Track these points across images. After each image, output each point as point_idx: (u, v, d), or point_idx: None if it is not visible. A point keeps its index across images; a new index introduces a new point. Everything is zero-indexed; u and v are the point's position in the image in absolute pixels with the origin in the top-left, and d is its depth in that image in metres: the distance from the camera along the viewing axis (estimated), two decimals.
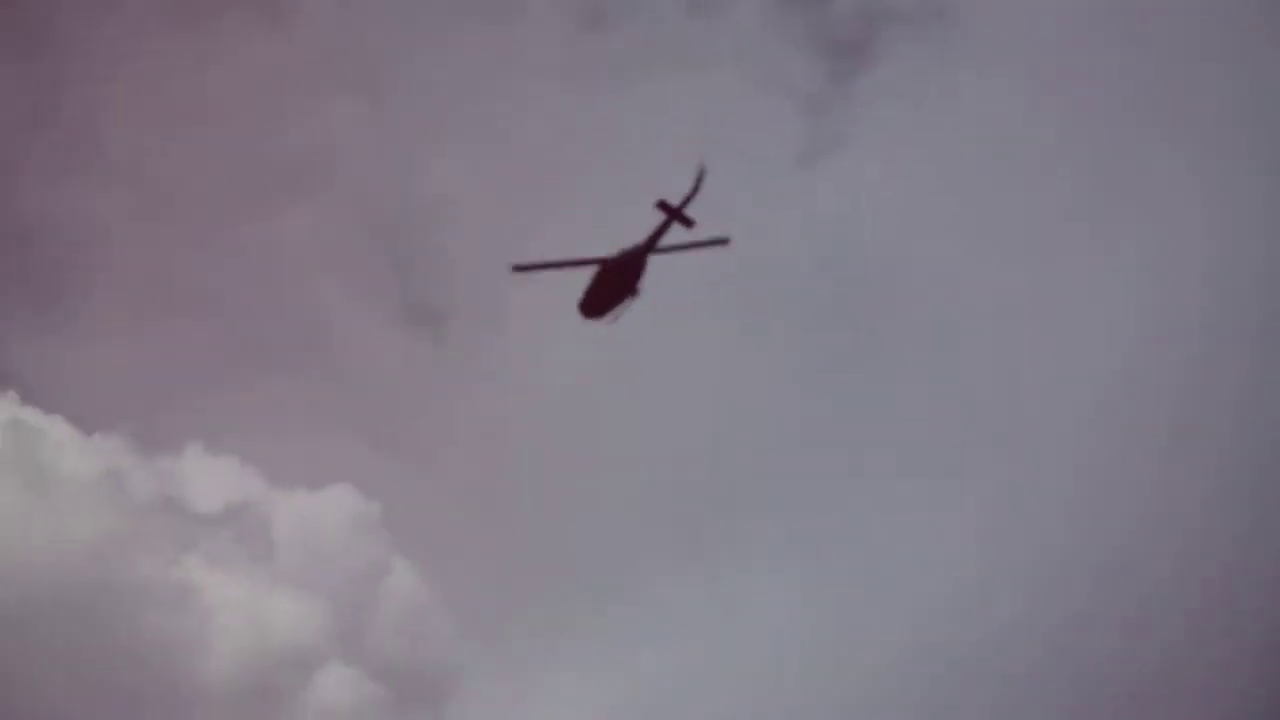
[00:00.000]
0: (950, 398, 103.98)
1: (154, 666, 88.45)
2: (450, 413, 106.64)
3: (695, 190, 44.11)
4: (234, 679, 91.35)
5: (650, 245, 43.97)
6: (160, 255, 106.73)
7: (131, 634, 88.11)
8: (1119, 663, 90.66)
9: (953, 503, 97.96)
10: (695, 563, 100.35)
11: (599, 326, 51.43)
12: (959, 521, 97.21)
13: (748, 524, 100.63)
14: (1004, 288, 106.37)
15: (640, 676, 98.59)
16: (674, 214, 44.83)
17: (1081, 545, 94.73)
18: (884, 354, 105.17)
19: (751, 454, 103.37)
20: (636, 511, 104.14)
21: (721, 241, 49.10)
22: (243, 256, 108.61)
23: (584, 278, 49.02)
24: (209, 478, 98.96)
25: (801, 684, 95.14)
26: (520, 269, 49.83)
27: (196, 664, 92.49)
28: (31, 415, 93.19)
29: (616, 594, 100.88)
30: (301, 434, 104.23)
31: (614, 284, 44.27)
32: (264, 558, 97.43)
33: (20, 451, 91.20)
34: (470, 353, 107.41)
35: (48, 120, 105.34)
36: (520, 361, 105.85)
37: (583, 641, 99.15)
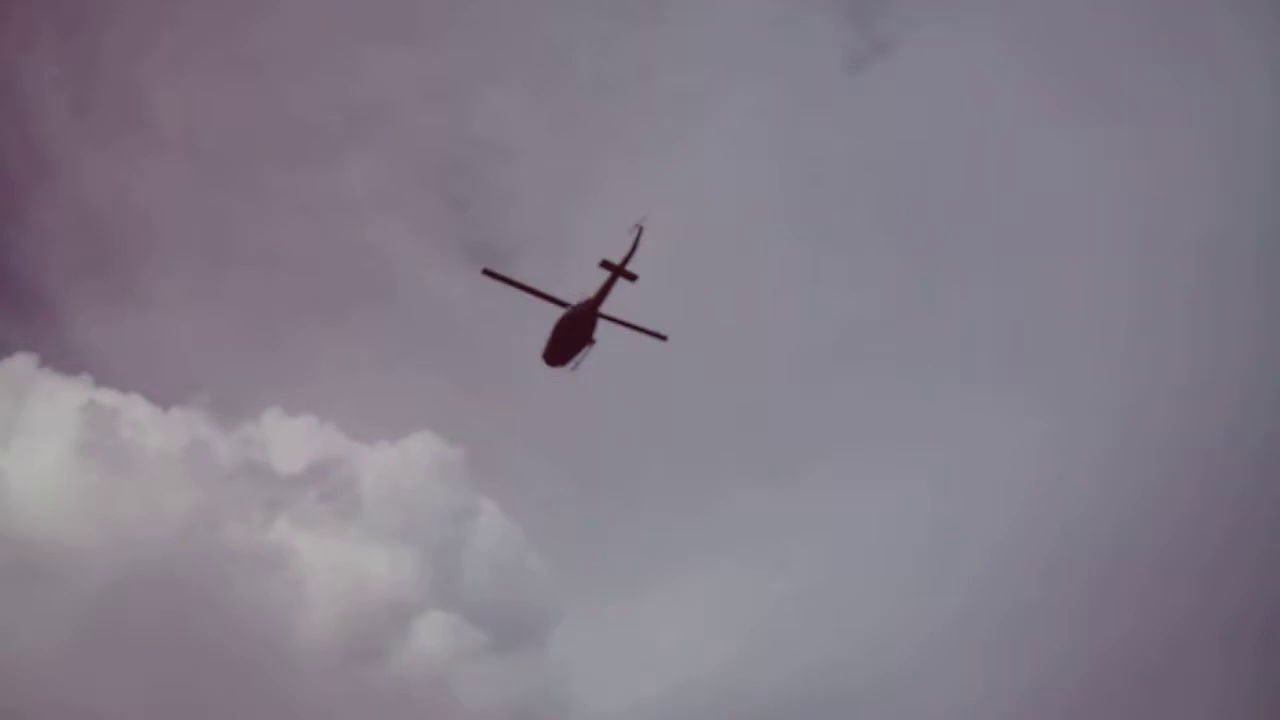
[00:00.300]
0: (1009, 303, 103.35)
1: (253, 631, 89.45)
2: (524, 350, 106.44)
3: (633, 249, 47.97)
4: (334, 635, 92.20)
5: (599, 300, 47.97)
6: (219, 220, 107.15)
7: (229, 601, 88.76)
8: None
9: (1014, 410, 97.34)
10: (771, 480, 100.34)
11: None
12: (1020, 430, 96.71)
13: (822, 441, 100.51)
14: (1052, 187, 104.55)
15: (725, 589, 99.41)
16: (617, 270, 48.69)
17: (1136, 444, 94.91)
18: (937, 261, 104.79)
19: (820, 371, 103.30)
20: (715, 433, 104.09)
21: (660, 336, 54.23)
22: (303, 212, 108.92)
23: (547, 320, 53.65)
24: (290, 439, 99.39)
25: (883, 595, 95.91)
26: (489, 274, 52.52)
27: (296, 624, 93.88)
28: (108, 396, 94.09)
29: (699, 513, 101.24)
30: (378, 385, 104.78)
31: (570, 336, 48.29)
32: (352, 513, 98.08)
33: (101, 432, 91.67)
34: (542, 284, 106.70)
35: (94, 101, 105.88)
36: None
37: (669, 559, 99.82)
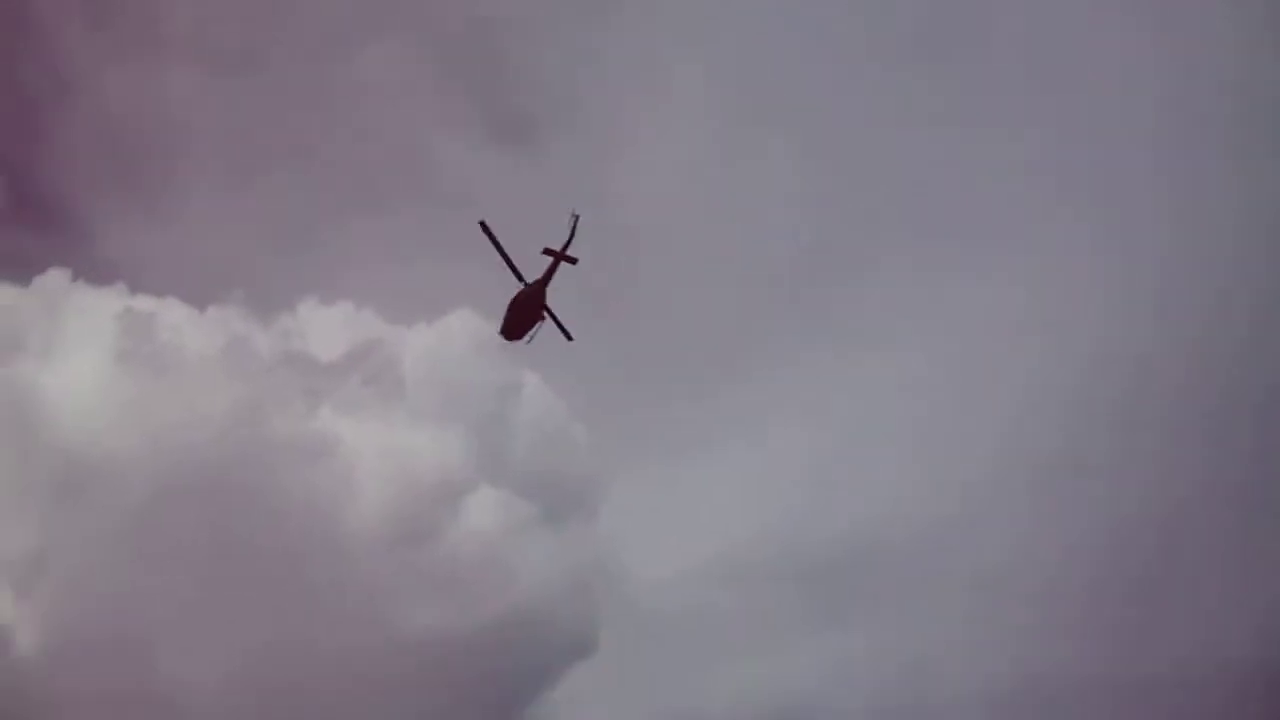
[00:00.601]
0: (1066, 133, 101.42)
1: (303, 522, 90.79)
2: (556, 225, 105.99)
3: (571, 237, 53.29)
4: (384, 519, 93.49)
5: (545, 282, 53.77)
6: (243, 122, 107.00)
7: (277, 495, 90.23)
8: None
9: (1065, 248, 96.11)
10: (816, 345, 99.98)
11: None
12: (1067, 270, 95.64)
13: (865, 306, 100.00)
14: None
15: (771, 448, 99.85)
16: (559, 256, 53.88)
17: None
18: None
19: (866, 231, 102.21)
20: (757, 297, 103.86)
21: (568, 337, 59.20)
22: (324, 104, 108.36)
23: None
24: (328, 327, 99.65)
25: (927, 447, 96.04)
26: (483, 226, 57.32)
27: (345, 512, 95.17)
28: (143, 302, 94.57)
29: (742, 373, 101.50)
30: (412, 268, 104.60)
31: (523, 314, 53.04)
32: (395, 396, 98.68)
33: (138, 339, 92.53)
34: (568, 160, 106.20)
35: (111, 14, 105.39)
36: (617, 163, 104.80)
37: (714, 423, 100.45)
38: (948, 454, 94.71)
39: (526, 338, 56.14)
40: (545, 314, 55.60)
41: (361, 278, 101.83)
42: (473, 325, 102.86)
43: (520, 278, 56.77)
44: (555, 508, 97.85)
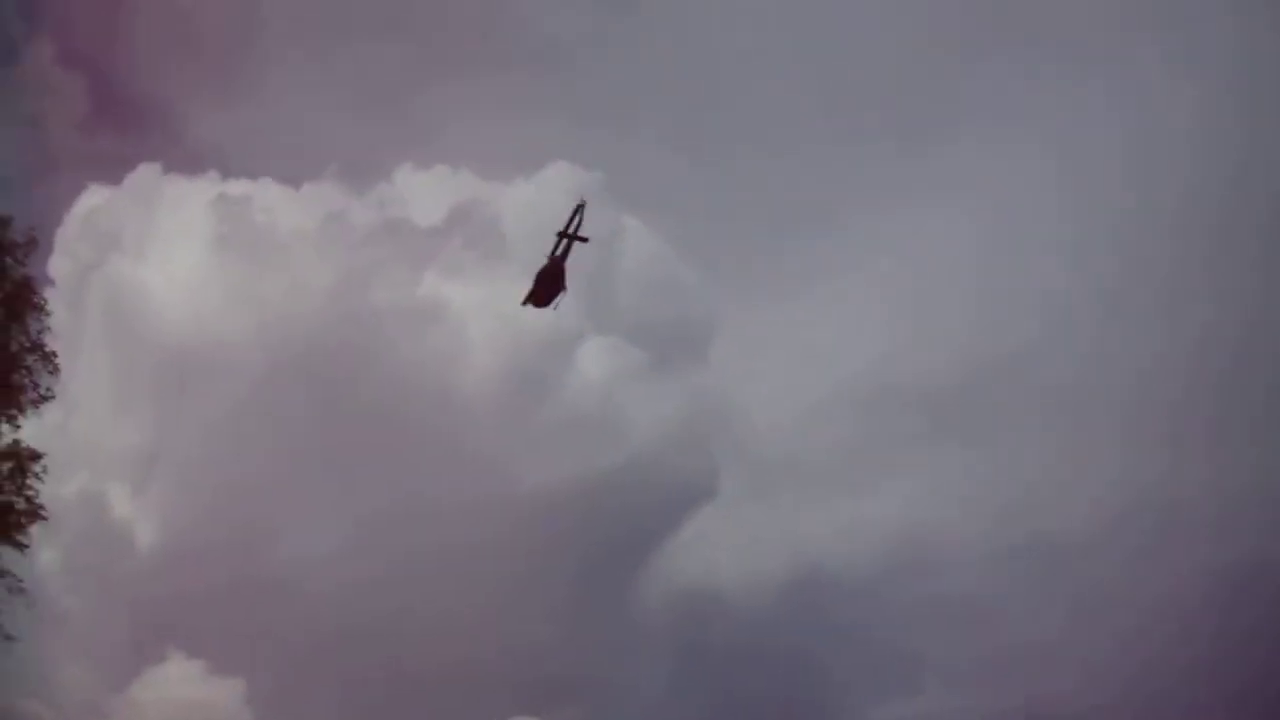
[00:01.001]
0: None
1: (418, 388, 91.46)
2: (652, 74, 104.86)
3: (577, 219, 57.92)
4: (498, 377, 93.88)
5: (563, 258, 58.68)
6: None
7: (390, 364, 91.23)
8: None
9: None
10: (912, 187, 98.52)
11: None
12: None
13: (960, 148, 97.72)
14: None
15: (875, 284, 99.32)
16: (570, 237, 58.17)
17: None
18: None
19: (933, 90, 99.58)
20: (859, 137, 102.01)
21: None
22: None
23: None
24: (425, 193, 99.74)
25: (1026, 270, 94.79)
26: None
27: (459, 375, 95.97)
28: (236, 186, 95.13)
29: (845, 217, 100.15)
30: (505, 126, 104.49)
31: (548, 286, 58.01)
32: (498, 254, 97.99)
33: (235, 223, 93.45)
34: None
35: None
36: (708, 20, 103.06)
37: (819, 260, 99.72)
38: (1046, 277, 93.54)
39: (552, 306, 60.48)
40: (565, 286, 59.75)
41: (455, 140, 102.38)
42: (570, 177, 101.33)
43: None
44: (666, 353, 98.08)
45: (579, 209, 59.01)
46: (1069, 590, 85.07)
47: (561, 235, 59.01)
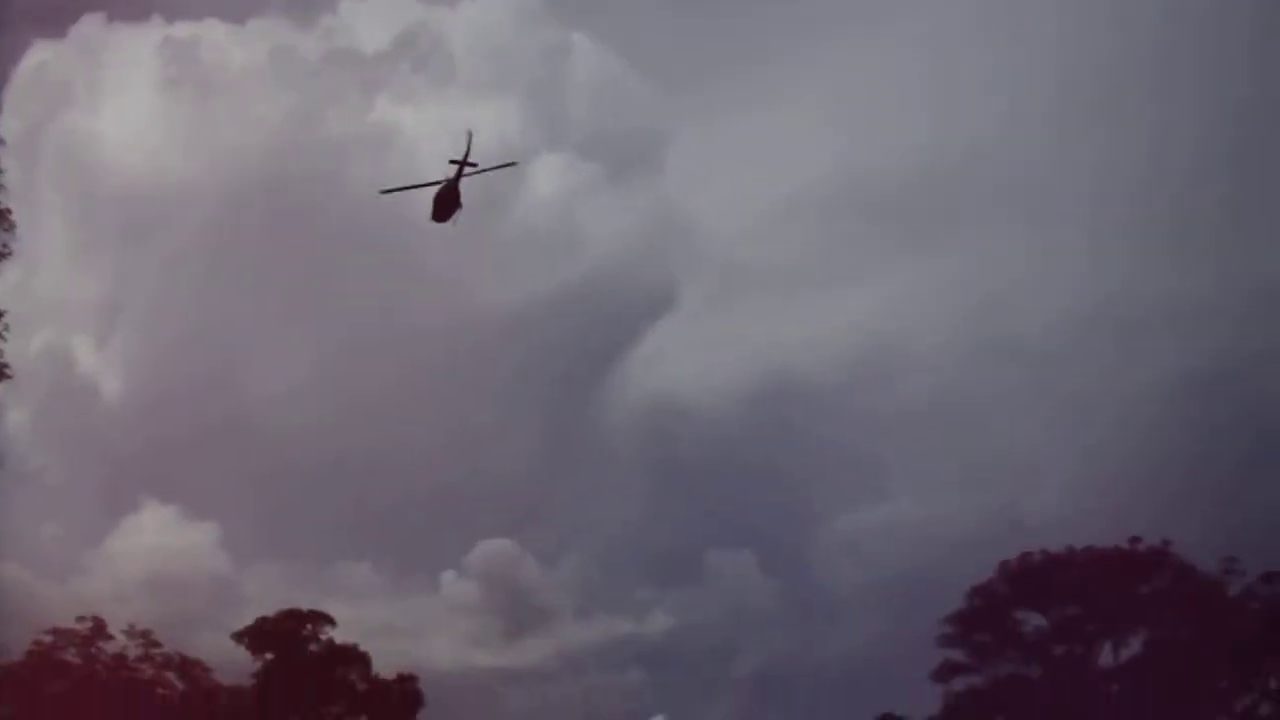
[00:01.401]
0: None
1: (373, 215, 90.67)
2: None
3: (468, 150, 61.49)
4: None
5: (457, 180, 62.59)
6: None
7: (344, 193, 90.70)
8: None
9: None
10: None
11: None
12: None
13: None
14: None
15: (829, 80, 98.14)
16: (462, 163, 61.83)
17: None
18: None
19: None
20: None
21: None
22: None
23: None
24: (371, 19, 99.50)
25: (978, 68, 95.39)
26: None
27: (416, 197, 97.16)
28: (182, 29, 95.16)
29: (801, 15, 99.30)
30: None
31: (445, 204, 61.76)
32: (447, 77, 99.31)
33: (183, 65, 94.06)
34: None
35: None
36: None
37: (773, 59, 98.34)
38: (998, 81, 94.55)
39: (450, 221, 63.89)
40: (461, 204, 63.26)
41: None
42: None
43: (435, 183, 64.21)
44: (620, 165, 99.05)
45: (469, 139, 62.27)
46: (1043, 399, 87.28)
47: (455, 162, 63.23)
